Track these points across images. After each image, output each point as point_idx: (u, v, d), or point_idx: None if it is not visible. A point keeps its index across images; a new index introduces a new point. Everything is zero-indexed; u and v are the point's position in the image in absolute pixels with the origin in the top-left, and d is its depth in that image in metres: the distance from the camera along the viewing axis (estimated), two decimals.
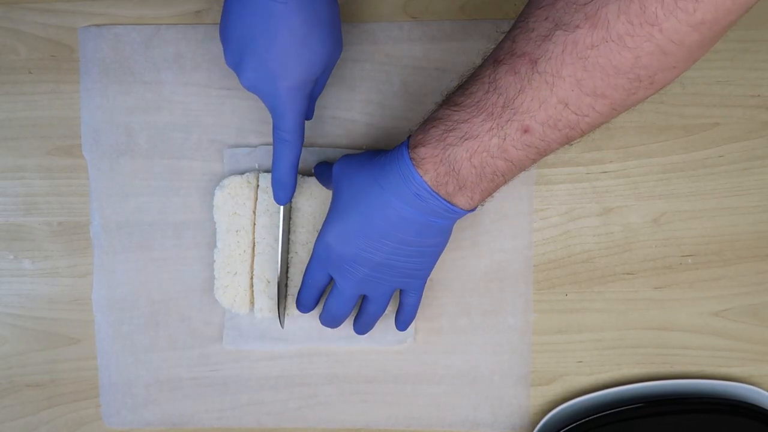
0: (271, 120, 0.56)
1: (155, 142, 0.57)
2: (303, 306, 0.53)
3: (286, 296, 0.55)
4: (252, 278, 0.55)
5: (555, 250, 0.57)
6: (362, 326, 0.53)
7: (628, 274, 0.58)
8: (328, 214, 0.49)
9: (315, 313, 0.55)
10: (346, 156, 0.50)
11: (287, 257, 0.55)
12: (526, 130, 0.40)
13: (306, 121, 0.56)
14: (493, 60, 0.40)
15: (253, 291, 0.56)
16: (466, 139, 0.41)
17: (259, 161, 0.57)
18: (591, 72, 0.37)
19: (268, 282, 0.55)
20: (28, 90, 0.57)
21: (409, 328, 0.55)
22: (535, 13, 0.38)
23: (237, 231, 0.55)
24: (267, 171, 0.56)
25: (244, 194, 0.55)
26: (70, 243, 0.58)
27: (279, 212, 0.53)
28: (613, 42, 0.36)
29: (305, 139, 0.57)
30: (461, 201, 0.44)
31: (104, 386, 0.58)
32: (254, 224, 0.55)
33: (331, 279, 0.50)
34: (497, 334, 0.57)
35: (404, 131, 0.57)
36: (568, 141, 0.41)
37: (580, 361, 0.58)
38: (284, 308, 0.55)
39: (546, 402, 0.58)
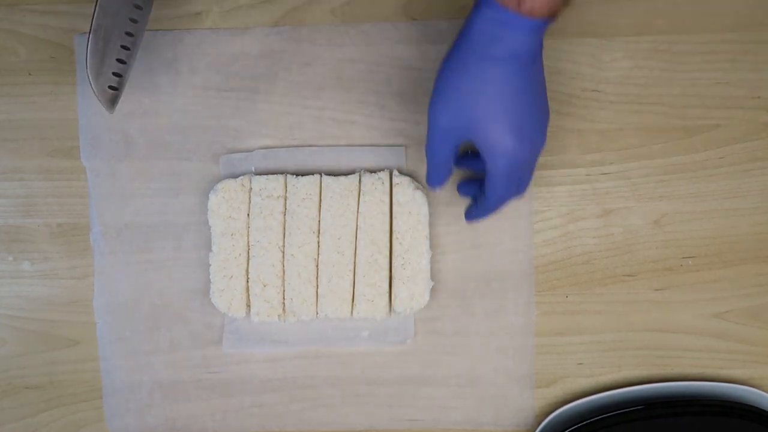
0: (271, 121, 0.57)
1: (153, 146, 0.57)
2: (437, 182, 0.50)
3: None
4: (248, 281, 0.55)
5: (555, 251, 0.57)
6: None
7: (628, 275, 0.57)
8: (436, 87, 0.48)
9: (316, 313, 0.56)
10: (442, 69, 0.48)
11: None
12: None
13: (303, 122, 0.57)
14: None
15: (249, 294, 0.56)
16: None
17: (255, 165, 0.56)
18: None
19: (264, 285, 0.55)
20: (27, 91, 0.57)
21: (408, 329, 0.56)
22: None
23: (232, 234, 0.55)
24: (261, 174, 0.56)
25: (238, 198, 0.55)
26: (70, 244, 0.58)
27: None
28: None
29: (303, 141, 0.57)
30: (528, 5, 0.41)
31: (107, 391, 0.58)
32: (249, 227, 0.55)
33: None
34: (499, 334, 0.57)
35: (403, 132, 0.57)
36: None
37: (581, 363, 0.58)
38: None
39: (547, 404, 0.58)
